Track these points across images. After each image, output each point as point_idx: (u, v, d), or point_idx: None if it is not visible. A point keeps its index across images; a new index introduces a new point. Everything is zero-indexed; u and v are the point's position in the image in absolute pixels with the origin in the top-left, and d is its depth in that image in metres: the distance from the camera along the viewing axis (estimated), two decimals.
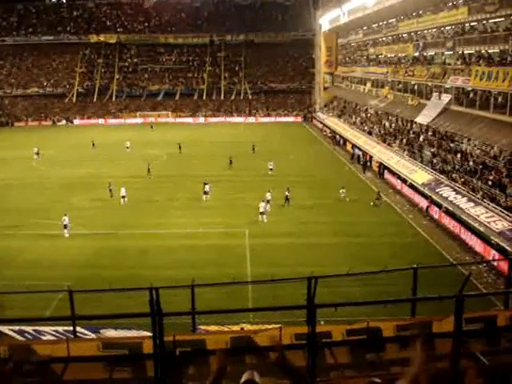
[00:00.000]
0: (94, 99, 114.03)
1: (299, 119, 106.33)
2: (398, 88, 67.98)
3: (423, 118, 53.15)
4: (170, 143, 70.60)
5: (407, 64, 64.28)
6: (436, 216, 38.74)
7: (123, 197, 43.18)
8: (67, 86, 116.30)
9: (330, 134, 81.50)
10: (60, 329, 16.24)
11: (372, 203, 42.13)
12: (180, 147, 66.85)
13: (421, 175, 44.28)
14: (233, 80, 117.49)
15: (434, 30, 58.18)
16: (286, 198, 41.80)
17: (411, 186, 44.73)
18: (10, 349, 8.07)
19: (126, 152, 66.63)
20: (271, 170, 52.84)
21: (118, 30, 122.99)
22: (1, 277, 27.78)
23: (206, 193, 43.67)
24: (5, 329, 14.71)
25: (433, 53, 59.36)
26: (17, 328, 15.81)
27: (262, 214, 37.99)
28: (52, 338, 15.13)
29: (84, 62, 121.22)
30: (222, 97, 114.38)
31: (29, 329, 17.17)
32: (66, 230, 35.20)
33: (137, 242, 34.54)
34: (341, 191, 43.40)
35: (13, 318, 17.44)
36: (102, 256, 32.00)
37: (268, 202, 40.16)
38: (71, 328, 11.78)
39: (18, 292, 21.84)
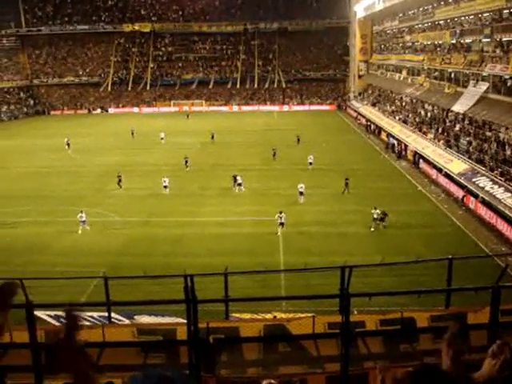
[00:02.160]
0: (129, 88, 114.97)
1: (333, 108, 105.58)
2: (434, 76, 66.99)
3: (460, 107, 52.30)
4: (203, 132, 70.82)
5: (444, 51, 63.24)
6: (472, 206, 38.16)
7: (165, 187, 42.92)
8: (102, 75, 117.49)
9: (364, 123, 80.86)
10: (95, 314, 16.47)
11: (372, 228, 33.94)
12: (212, 136, 67.04)
13: (457, 165, 43.64)
14: (266, 68, 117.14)
15: (472, 16, 57.04)
16: (346, 185, 41.83)
17: (447, 176, 44.12)
18: (46, 334, 8.21)
19: (160, 141, 66.90)
20: (311, 164, 50.63)
21: (153, 18, 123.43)
22: (37, 263, 28.30)
23: (239, 184, 43.29)
24: (41, 314, 14.97)
25: (470, 40, 58.24)
26: (53, 313, 16.07)
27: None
28: (87, 323, 15.36)
29: (119, 51, 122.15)
30: (256, 85, 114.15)
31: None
32: (83, 226, 34.18)
33: (170, 229, 34.80)
34: (373, 211, 34.08)
35: (49, 303, 17.75)
36: (136, 243, 32.33)
37: (301, 193, 40.02)
38: (106, 314, 11.95)
39: (53, 278, 22.18)
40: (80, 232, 33.84)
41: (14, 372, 7.53)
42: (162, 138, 67.54)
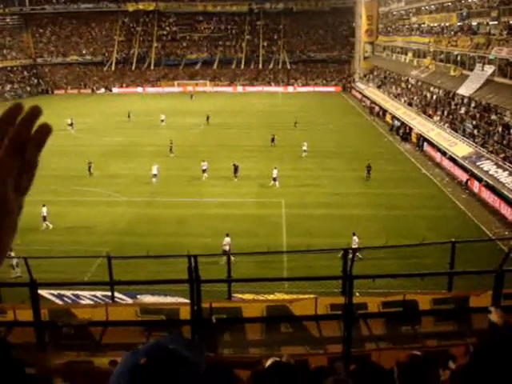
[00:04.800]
0: (133, 67, 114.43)
1: (338, 89, 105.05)
2: (440, 58, 66.57)
3: (465, 90, 52.01)
4: (207, 113, 70.44)
5: (450, 34, 62.77)
6: (476, 190, 38.09)
7: (154, 175, 40.58)
8: (106, 55, 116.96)
9: (369, 105, 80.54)
10: (98, 294, 16.56)
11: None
12: (208, 118, 65.93)
13: (461, 148, 43.50)
14: (271, 49, 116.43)
15: None
16: (368, 172, 40.50)
17: (451, 159, 44.00)
18: (50, 312, 8.25)
19: (160, 123, 65.99)
20: (305, 151, 48.31)
21: None
22: (40, 242, 28.38)
23: (204, 171, 41.61)
24: (45, 293, 15.05)
25: (477, 22, 57.78)
26: (56, 292, 16.16)
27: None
28: (90, 302, 15.45)
29: (123, 31, 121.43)
30: (260, 66, 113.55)
31: (68, 293, 17.54)
32: (46, 223, 31.66)
33: (173, 210, 34.85)
34: (354, 238, 26.92)
35: (53, 282, 17.87)
36: (139, 223, 32.41)
37: (274, 179, 39.17)
38: (109, 293, 12.02)
39: (57, 257, 22.30)
40: (43, 229, 31.33)
41: (18, 349, 7.57)
42: (162, 120, 66.23)
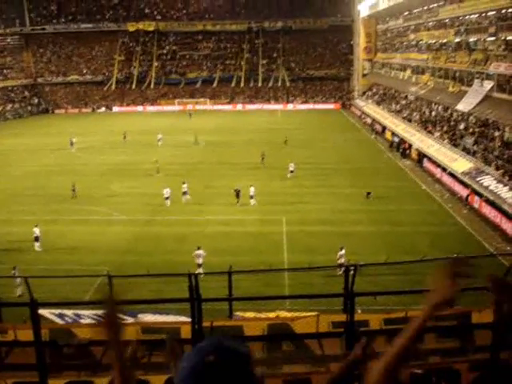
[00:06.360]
0: (133, 86, 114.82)
1: (337, 106, 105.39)
2: (438, 74, 66.88)
3: (464, 106, 52.19)
4: (206, 132, 70.47)
5: (448, 50, 63.12)
6: (476, 205, 38.07)
7: (167, 198, 39.41)
8: (106, 74, 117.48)
9: (368, 122, 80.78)
10: (99, 312, 16.46)
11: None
12: (196, 138, 65.01)
13: (461, 164, 43.54)
14: (270, 67, 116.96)
15: (476, 15, 56.92)
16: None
17: (451, 175, 44.03)
18: (51, 332, 8.22)
19: (157, 143, 64.85)
20: (292, 172, 47.25)
21: (157, 17, 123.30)
22: (41, 261, 28.36)
23: (184, 193, 40.22)
24: (45, 312, 14.98)
25: (475, 39, 58.10)
26: (57, 312, 16.10)
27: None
28: (91, 321, 15.36)
29: (123, 50, 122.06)
30: (260, 84, 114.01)
31: (69, 312, 17.46)
32: (37, 244, 30.90)
33: (174, 228, 34.83)
34: (340, 253, 26.72)
35: (53, 302, 17.80)
36: (140, 242, 32.36)
37: (252, 197, 39.10)
38: None
39: (57, 276, 22.25)
40: (36, 249, 30.83)
41: (19, 370, 7.54)
42: (158, 140, 64.89)
